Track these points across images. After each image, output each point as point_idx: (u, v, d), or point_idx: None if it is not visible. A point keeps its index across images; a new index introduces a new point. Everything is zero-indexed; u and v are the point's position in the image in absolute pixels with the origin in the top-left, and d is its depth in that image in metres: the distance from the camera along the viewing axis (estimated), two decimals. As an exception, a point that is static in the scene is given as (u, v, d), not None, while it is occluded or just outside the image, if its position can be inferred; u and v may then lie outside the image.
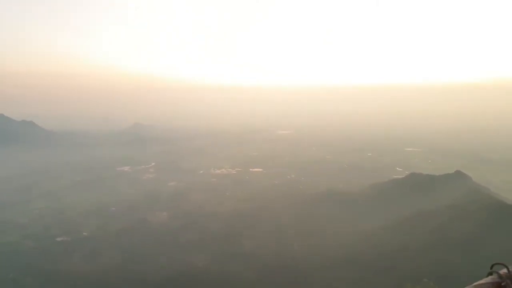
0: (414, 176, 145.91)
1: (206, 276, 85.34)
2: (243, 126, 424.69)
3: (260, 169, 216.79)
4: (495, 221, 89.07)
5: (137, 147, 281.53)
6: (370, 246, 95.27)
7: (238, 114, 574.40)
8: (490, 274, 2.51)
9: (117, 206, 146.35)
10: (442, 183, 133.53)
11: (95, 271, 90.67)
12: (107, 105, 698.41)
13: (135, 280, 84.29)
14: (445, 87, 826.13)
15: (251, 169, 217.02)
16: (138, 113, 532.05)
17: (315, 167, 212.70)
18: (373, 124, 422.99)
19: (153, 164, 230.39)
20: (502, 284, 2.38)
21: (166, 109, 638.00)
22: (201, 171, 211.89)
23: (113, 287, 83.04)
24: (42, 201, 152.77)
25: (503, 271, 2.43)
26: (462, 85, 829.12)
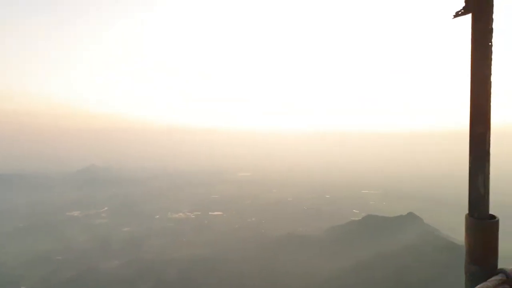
0: (370, 218, 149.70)
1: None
2: (201, 168, 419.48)
3: (220, 213, 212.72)
4: (447, 261, 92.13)
5: (90, 190, 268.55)
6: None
7: (197, 155, 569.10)
8: None
9: (64, 254, 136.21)
10: (396, 224, 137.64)
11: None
12: (59, 145, 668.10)
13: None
14: (397, 134, 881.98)
15: (210, 213, 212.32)
16: (94, 154, 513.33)
17: (275, 209, 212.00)
18: (330, 167, 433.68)
19: (106, 208, 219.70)
20: None
21: (123, 150, 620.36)
22: (158, 216, 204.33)
23: None
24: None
25: None
26: (414, 133, 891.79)
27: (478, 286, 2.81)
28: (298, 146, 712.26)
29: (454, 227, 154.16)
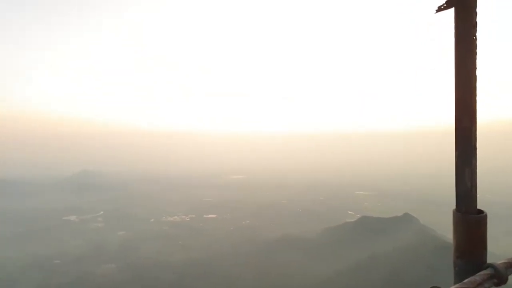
0: (365, 219, 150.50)
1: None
2: (195, 171, 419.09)
3: (215, 215, 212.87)
4: (442, 261, 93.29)
5: (85, 195, 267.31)
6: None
7: (189, 159, 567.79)
8: None
9: (61, 258, 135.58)
10: (392, 225, 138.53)
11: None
12: (51, 151, 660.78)
13: None
14: (390, 134, 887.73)
15: (205, 216, 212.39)
16: (85, 159, 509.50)
17: (269, 211, 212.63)
18: (323, 169, 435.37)
19: (101, 212, 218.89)
20: None
21: (115, 155, 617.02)
22: (152, 219, 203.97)
23: None
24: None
25: None
26: (408, 132, 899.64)
27: (466, 280, 2.75)
28: (293, 148, 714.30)
29: (451, 226, 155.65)
